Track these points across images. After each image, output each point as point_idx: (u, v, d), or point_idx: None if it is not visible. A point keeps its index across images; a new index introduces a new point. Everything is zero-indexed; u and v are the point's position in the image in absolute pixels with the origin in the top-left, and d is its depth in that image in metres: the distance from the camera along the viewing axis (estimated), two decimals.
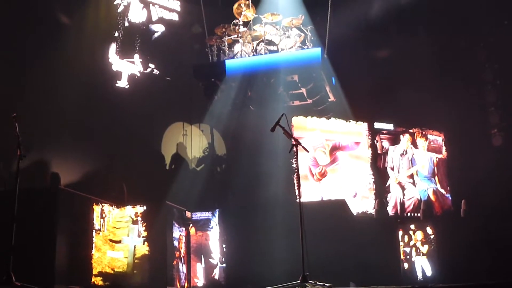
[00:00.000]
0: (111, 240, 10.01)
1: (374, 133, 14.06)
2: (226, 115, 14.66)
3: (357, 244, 10.57)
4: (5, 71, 12.57)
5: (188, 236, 11.45)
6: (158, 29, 16.01)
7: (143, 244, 10.09)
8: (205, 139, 16.55)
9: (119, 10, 15.39)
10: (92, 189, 10.74)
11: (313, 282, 7.25)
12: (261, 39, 13.82)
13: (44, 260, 8.75)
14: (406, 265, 11.75)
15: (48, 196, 9.40)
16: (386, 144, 14.17)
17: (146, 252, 10.06)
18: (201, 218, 11.74)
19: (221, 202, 13.18)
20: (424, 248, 11.81)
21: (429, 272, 11.72)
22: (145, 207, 10.25)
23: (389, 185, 13.99)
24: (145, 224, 10.14)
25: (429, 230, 11.87)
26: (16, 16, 13.01)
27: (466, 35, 15.86)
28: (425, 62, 15.21)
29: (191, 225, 11.58)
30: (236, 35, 13.93)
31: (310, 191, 13.08)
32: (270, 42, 13.79)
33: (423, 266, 11.77)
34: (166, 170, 15.67)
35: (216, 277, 11.48)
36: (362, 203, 13.51)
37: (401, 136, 14.33)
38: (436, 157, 14.65)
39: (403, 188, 14.07)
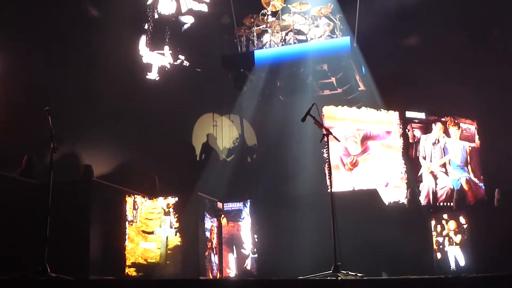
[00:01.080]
0: (143, 231, 10.09)
1: (405, 122, 13.94)
2: (256, 105, 14.65)
3: (389, 234, 10.51)
4: (37, 65, 12.72)
5: (219, 226, 11.48)
6: (188, 20, 16.05)
7: (175, 235, 10.14)
8: (235, 130, 16.58)
9: (149, 2, 15.48)
10: (124, 181, 10.83)
11: (345, 272, 7.22)
12: (290, 29, 13.78)
13: (79, 252, 8.85)
14: (439, 255, 11.66)
15: (81, 188, 9.51)
16: (417, 133, 14.04)
17: (179, 243, 10.11)
18: (232, 208, 11.77)
19: (252, 193, 13.18)
20: (457, 238, 11.68)
21: (462, 262, 11.60)
22: (176, 198, 10.29)
23: (421, 174, 13.87)
24: (177, 215, 10.19)
25: (462, 220, 11.73)
26: (46, 9, 13.15)
27: (499, 21, 15.60)
28: (456, 50, 15.02)
29: (222, 215, 11.60)
30: (264, 25, 13.92)
31: (342, 181, 13.03)
32: (299, 32, 13.74)
33: (456, 256, 11.65)
34: (197, 161, 15.74)
35: (248, 267, 11.50)
36: (394, 192, 13.42)
37: (433, 125, 14.17)
38: (469, 146, 14.47)
39: (435, 178, 13.93)
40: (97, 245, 9.21)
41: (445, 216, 11.90)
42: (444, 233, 11.74)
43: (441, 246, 11.68)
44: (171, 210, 10.20)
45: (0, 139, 11.46)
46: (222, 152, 16.34)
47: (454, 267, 11.60)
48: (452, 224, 11.76)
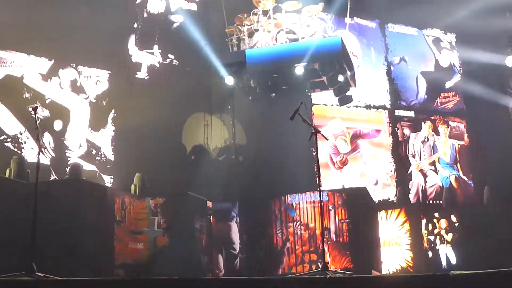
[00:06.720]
0: (132, 232, 10.03)
1: (395, 120, 13.96)
2: (247, 105, 14.60)
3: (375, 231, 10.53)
4: None
5: (209, 226, 11.44)
6: (177, 19, 15.99)
7: (164, 235, 10.10)
8: (226, 129, 16.51)
9: (138, 1, 15.41)
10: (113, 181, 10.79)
11: (333, 269, 7.22)
12: (281, 28, 13.73)
13: (67, 252, 8.79)
14: (430, 254, 11.67)
15: (70, 187, 9.45)
16: (407, 131, 14.07)
17: (167, 243, 10.08)
18: (222, 208, 11.73)
19: (242, 192, 13.14)
20: (449, 236, 11.70)
21: (453, 260, 11.62)
22: (164, 199, 10.24)
23: (410, 172, 13.89)
24: (165, 215, 10.14)
25: (453, 218, 11.75)
26: (34, 7, 13.12)
27: (487, 23, 15.64)
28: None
29: (212, 215, 11.57)
30: (256, 24, 13.86)
31: (331, 179, 13.03)
32: (290, 31, 13.69)
33: (447, 254, 11.67)
34: (187, 161, 15.68)
35: (237, 267, 11.47)
36: (383, 190, 13.43)
37: (423, 123, 14.20)
38: (458, 144, 14.51)
39: (425, 176, 13.96)
40: (86, 245, 9.14)
41: (436, 214, 11.91)
42: (436, 231, 11.75)
43: (432, 245, 11.68)
44: (159, 210, 10.15)
45: None
46: (213, 151, 16.28)
47: (446, 265, 11.62)
48: (443, 223, 11.77)
